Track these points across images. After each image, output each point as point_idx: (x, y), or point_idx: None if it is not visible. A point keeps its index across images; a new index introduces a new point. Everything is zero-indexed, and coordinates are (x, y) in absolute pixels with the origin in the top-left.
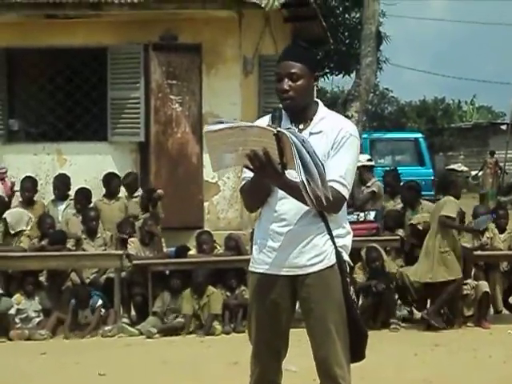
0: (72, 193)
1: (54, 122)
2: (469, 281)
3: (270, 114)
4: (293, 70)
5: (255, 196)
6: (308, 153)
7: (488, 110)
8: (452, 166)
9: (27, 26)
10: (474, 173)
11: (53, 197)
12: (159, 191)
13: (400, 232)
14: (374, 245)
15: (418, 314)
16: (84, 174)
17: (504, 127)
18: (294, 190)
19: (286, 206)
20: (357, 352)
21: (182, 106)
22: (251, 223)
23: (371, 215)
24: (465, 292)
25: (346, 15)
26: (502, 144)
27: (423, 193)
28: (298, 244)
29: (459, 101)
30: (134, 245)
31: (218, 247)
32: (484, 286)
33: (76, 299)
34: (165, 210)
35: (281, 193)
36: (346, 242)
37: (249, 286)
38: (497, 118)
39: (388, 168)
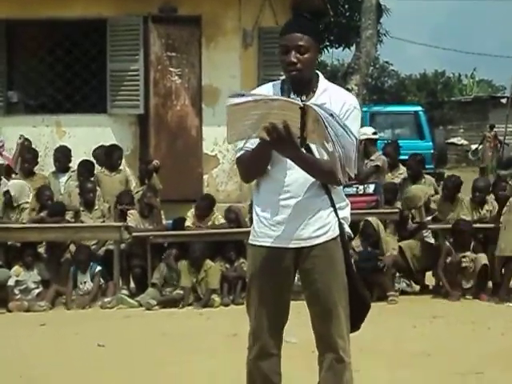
0: (72, 165)
1: (53, 93)
2: (468, 253)
3: (271, 84)
4: (300, 43)
5: (256, 166)
6: (339, 124)
7: (488, 83)
8: (452, 140)
9: None
10: (473, 146)
11: (53, 169)
12: (155, 162)
13: (399, 204)
14: (370, 219)
15: (416, 287)
16: (83, 146)
17: (504, 101)
18: (307, 163)
19: (292, 177)
20: (356, 323)
21: (182, 79)
22: (250, 196)
23: (370, 188)
24: (464, 264)
25: None
26: (501, 118)
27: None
28: (303, 216)
29: (459, 74)
30: (133, 217)
31: (220, 217)
32: (483, 258)
33: (76, 261)
34: (164, 182)
35: (286, 164)
36: (347, 213)
37: (248, 260)
38: (497, 92)
39: (388, 141)
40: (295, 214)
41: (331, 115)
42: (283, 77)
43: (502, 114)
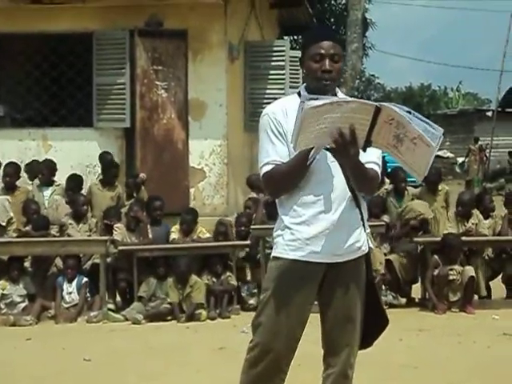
0: (57, 178)
1: (39, 107)
2: (455, 266)
3: (295, 95)
4: (334, 51)
5: (293, 180)
6: (420, 120)
7: (474, 96)
8: (437, 153)
9: (12, 12)
10: (459, 159)
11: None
12: (141, 175)
13: (385, 217)
14: None
15: (403, 300)
16: (69, 159)
17: (490, 114)
18: (360, 170)
19: (325, 190)
20: (369, 340)
21: (168, 92)
22: (237, 209)
23: None
24: (451, 277)
25: (332, 1)
26: (487, 131)
27: (409, 179)
28: (338, 231)
29: (445, 87)
30: (119, 230)
31: (205, 231)
32: (470, 271)
33: (64, 267)
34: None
35: (319, 176)
36: (370, 228)
37: (272, 272)
38: (483, 105)
39: None
40: (331, 229)
41: (409, 112)
42: (301, 86)
43: (487, 126)
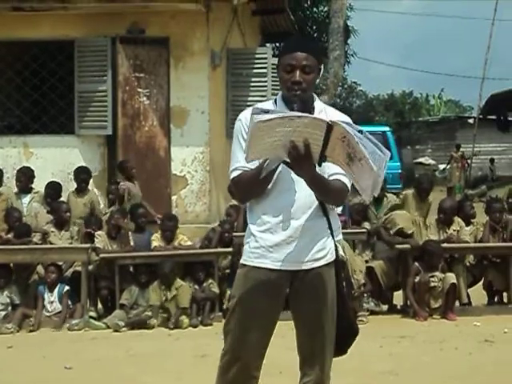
0: (37, 186)
1: (20, 114)
2: (436, 273)
3: (271, 102)
4: (306, 63)
5: (258, 186)
6: (370, 141)
7: (455, 103)
8: (419, 160)
9: None
10: (441, 166)
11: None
12: (122, 186)
13: (366, 225)
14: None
15: (384, 307)
16: (51, 167)
17: (471, 121)
18: (320, 183)
19: (290, 198)
20: (342, 347)
21: (150, 100)
22: (219, 216)
23: (338, 209)
24: (432, 284)
25: (314, 9)
26: (469, 138)
27: (390, 186)
28: (302, 239)
29: (427, 94)
30: (101, 238)
31: (186, 238)
32: (451, 277)
33: (45, 276)
34: None
35: (285, 185)
36: (340, 236)
37: (238, 279)
38: (464, 112)
39: None
40: (295, 236)
41: (360, 131)
42: (279, 94)
43: (469, 133)
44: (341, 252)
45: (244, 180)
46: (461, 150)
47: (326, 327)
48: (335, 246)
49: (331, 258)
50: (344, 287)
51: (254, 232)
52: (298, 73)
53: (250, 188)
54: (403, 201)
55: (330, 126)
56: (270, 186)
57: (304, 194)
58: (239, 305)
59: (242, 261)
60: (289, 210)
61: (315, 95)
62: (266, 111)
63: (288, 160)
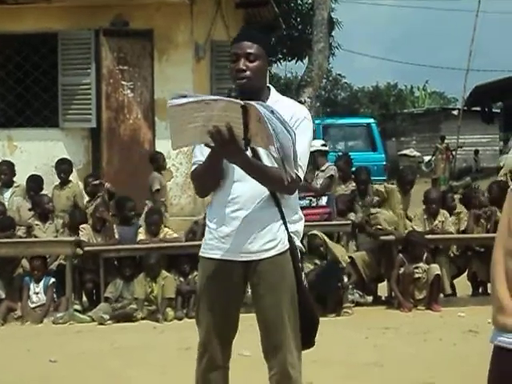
0: (20, 179)
1: (4, 108)
2: (420, 264)
3: (226, 96)
4: (250, 51)
5: (209, 179)
6: (279, 121)
7: (440, 95)
8: (404, 152)
9: None
10: (426, 158)
11: None
12: (107, 185)
13: (352, 216)
14: (315, 232)
15: (369, 298)
16: (35, 160)
17: (456, 112)
18: (254, 169)
19: (240, 189)
20: (308, 338)
21: (134, 92)
22: (204, 209)
23: (323, 200)
24: (416, 275)
25: (298, 1)
26: (453, 129)
27: (375, 178)
28: (252, 229)
29: (411, 86)
30: (85, 231)
31: (171, 232)
32: (435, 269)
33: (30, 268)
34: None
35: (235, 176)
36: (299, 227)
37: (199, 272)
38: (449, 104)
39: (340, 153)
40: (244, 227)
41: (272, 112)
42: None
43: (453, 125)
44: (297, 243)
45: (198, 174)
46: (445, 141)
47: (287, 318)
48: (289, 236)
49: (282, 248)
50: (302, 277)
51: (209, 224)
52: (241, 61)
53: (204, 181)
54: (388, 194)
55: (244, 108)
56: (224, 178)
57: (253, 184)
58: (202, 296)
59: (200, 253)
60: (239, 201)
61: (272, 88)
62: (184, 96)
63: (212, 145)
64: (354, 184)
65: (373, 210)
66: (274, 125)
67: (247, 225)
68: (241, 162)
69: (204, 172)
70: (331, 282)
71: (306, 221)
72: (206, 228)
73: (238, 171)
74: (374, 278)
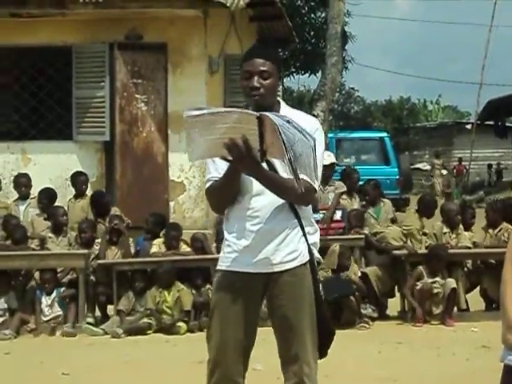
0: (34, 192)
1: (18, 121)
2: (437, 278)
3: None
4: (263, 68)
5: (227, 194)
6: (297, 130)
7: (453, 109)
8: (417, 165)
9: None
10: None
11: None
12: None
13: (366, 230)
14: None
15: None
16: (48, 173)
17: (469, 126)
18: (271, 181)
19: (260, 203)
20: (322, 350)
21: (148, 105)
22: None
23: (338, 214)
24: (435, 291)
25: (312, 15)
26: (466, 143)
27: (388, 192)
28: (273, 241)
29: (425, 100)
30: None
31: (185, 246)
32: (452, 282)
33: (42, 281)
34: (130, 209)
35: (254, 189)
36: (316, 239)
37: (215, 285)
38: (462, 118)
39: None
40: (265, 239)
41: (288, 121)
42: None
43: (466, 139)
44: (316, 254)
45: (214, 190)
46: (456, 155)
47: (305, 329)
48: (309, 247)
49: (304, 259)
50: (319, 288)
51: (228, 237)
52: (255, 78)
53: (222, 196)
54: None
55: (259, 119)
56: (242, 192)
57: (272, 198)
58: (216, 310)
59: (217, 267)
60: (259, 215)
61: (282, 101)
62: (199, 108)
63: (230, 158)
64: (358, 200)
65: (379, 229)
66: (292, 134)
67: (268, 237)
68: (257, 174)
69: (221, 187)
70: (339, 292)
71: (320, 235)
72: (224, 242)
73: (256, 185)
74: (385, 293)
